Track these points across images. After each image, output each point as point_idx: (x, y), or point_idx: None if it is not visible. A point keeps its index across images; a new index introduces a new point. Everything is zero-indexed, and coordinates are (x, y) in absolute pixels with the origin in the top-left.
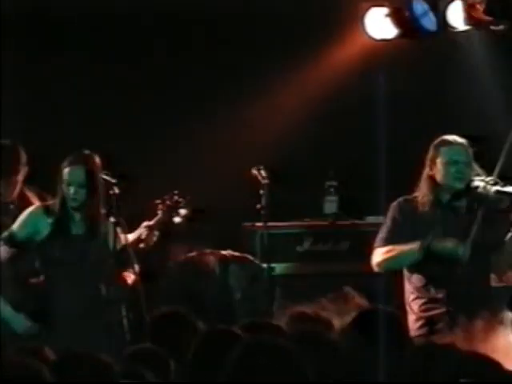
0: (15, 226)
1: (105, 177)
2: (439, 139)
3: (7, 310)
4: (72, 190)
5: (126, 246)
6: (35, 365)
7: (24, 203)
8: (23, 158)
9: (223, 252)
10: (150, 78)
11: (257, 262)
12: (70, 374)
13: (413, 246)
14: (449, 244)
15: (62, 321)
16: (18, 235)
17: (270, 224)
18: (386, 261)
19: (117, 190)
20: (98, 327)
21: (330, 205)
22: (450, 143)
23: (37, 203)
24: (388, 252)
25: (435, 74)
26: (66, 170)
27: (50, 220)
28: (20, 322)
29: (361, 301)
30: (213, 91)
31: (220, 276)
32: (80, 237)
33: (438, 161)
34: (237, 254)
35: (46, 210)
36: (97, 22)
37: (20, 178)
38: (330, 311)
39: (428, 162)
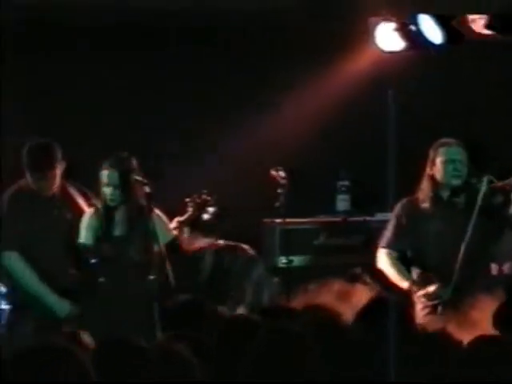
0: (83, 238)
1: (137, 177)
2: (438, 141)
3: (51, 296)
4: (108, 191)
5: (174, 239)
6: (74, 348)
7: (66, 199)
8: (58, 153)
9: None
10: (175, 80)
11: (251, 252)
12: (109, 359)
13: (403, 283)
14: (431, 290)
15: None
16: (88, 244)
17: (287, 220)
18: (384, 271)
19: (148, 190)
20: (135, 322)
21: (343, 203)
22: (447, 144)
23: (78, 199)
24: (388, 266)
25: (443, 84)
26: (103, 173)
27: (98, 222)
28: (63, 307)
29: (369, 280)
30: (236, 97)
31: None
32: (121, 237)
33: (437, 160)
34: (231, 243)
35: (95, 213)
36: (126, 21)
37: (57, 172)
38: (336, 291)
39: (428, 163)
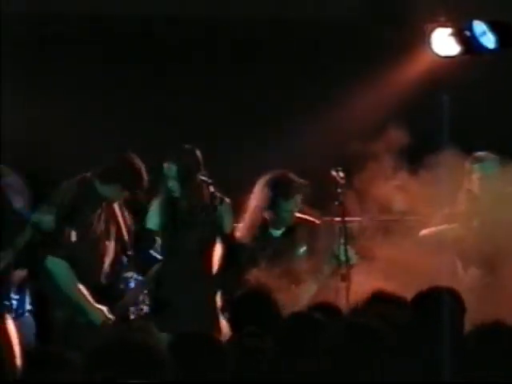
0: (150, 223)
1: (202, 177)
2: (472, 156)
3: (87, 302)
4: (169, 183)
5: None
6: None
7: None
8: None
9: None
10: (240, 81)
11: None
12: (185, 353)
13: None
14: None
15: (174, 305)
16: (154, 229)
17: (346, 218)
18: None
19: (213, 189)
20: (207, 311)
21: (399, 202)
22: (481, 160)
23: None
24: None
25: (497, 88)
26: (164, 165)
27: (163, 213)
28: (98, 315)
29: None
30: (298, 98)
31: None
32: (190, 227)
33: (474, 176)
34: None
35: (161, 204)
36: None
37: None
38: None
39: (465, 177)
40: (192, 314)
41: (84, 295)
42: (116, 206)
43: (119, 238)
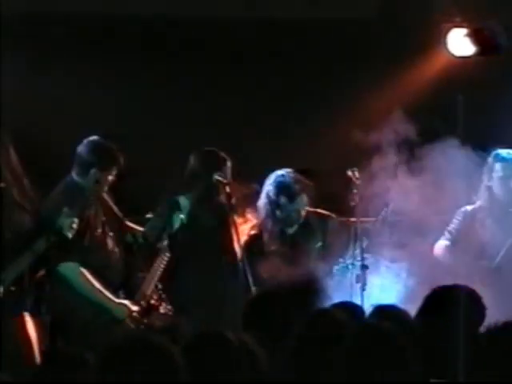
0: (150, 224)
1: (218, 178)
2: (495, 153)
3: (108, 300)
4: (189, 184)
5: None
6: (165, 343)
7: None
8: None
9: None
10: (262, 85)
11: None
12: (200, 353)
13: None
14: None
15: (190, 305)
16: (155, 230)
17: (362, 219)
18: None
19: (228, 190)
20: (225, 311)
21: (413, 202)
22: (504, 159)
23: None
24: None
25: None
26: (189, 166)
27: (181, 214)
28: (121, 310)
29: None
30: (314, 99)
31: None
32: (210, 228)
33: (495, 175)
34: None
35: (178, 205)
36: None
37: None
38: None
39: (486, 173)
40: (209, 314)
41: (104, 293)
42: (106, 196)
43: (117, 229)
